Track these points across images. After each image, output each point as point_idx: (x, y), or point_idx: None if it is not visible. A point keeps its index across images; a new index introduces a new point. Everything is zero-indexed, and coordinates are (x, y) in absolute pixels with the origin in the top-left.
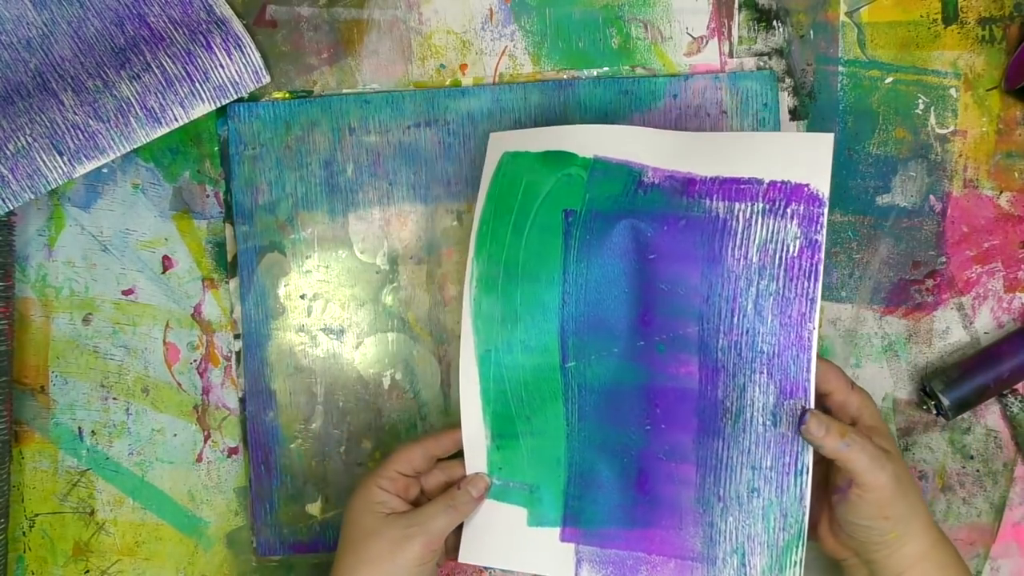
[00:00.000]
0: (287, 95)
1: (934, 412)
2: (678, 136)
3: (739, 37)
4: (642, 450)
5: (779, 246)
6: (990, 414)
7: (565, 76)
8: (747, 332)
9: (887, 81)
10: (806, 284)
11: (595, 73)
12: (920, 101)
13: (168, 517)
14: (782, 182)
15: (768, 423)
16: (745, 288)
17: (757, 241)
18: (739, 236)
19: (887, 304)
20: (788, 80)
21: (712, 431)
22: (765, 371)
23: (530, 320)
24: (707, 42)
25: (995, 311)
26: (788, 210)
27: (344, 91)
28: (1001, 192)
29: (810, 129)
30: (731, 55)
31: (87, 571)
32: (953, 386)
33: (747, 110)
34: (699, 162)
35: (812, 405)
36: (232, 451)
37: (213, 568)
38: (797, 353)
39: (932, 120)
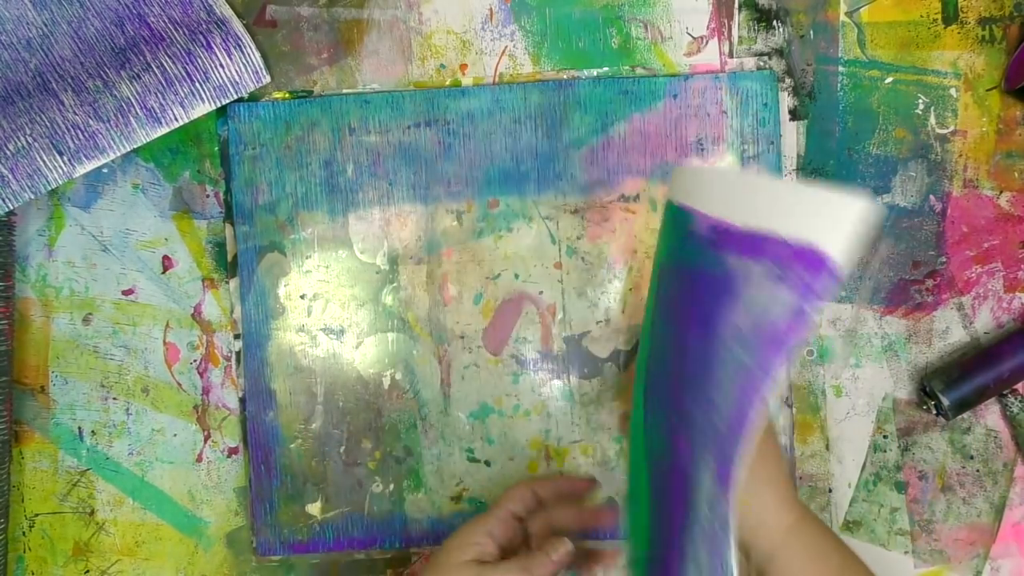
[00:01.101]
0: (287, 95)
1: (934, 412)
2: (738, 177)
3: (739, 37)
4: (666, 541)
5: (767, 313)
6: (990, 414)
7: (565, 76)
8: (710, 403)
9: (887, 81)
10: (774, 359)
11: (595, 73)
12: (920, 101)
13: (168, 517)
14: (798, 243)
15: (709, 514)
16: (723, 355)
17: (753, 306)
18: (736, 297)
19: (887, 304)
20: (788, 80)
21: (686, 523)
22: (712, 451)
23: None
24: (707, 42)
25: (995, 311)
26: (792, 273)
27: (344, 91)
28: (1001, 192)
29: (810, 129)
30: (731, 55)
31: (87, 571)
32: (953, 386)
33: (747, 110)
34: (737, 209)
35: (733, 505)
36: (232, 451)
37: (213, 568)
38: (737, 436)
39: (932, 120)
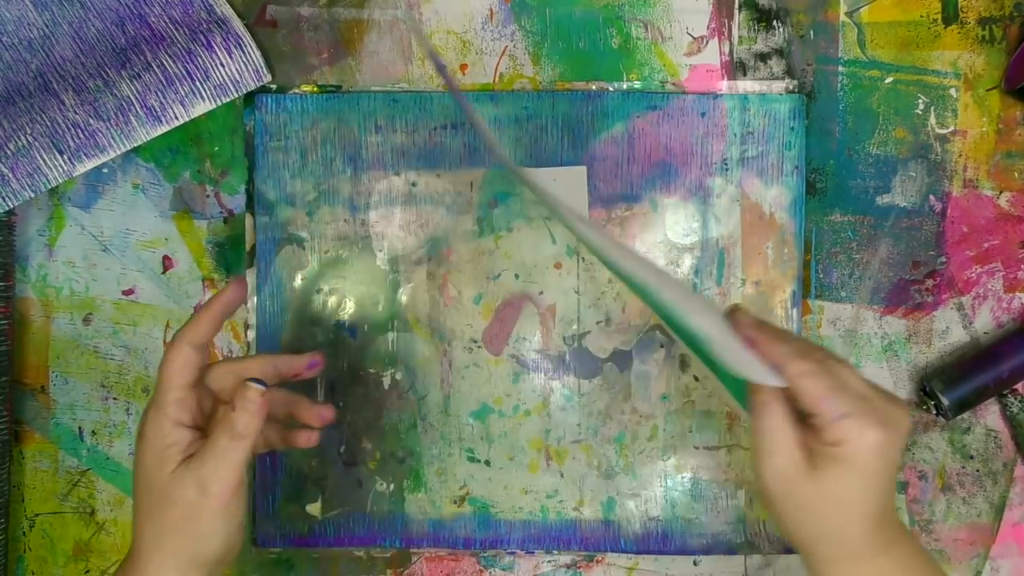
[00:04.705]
0: (315, 88)
1: (934, 412)
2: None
3: (739, 37)
4: None
5: None
6: (990, 414)
7: (594, 87)
8: None
9: (887, 81)
10: None
11: (624, 86)
12: (920, 101)
13: None
14: None
15: None
16: None
17: None
18: None
19: (887, 304)
20: (788, 80)
21: None
22: None
23: None
24: (707, 42)
25: (995, 311)
26: None
27: (373, 88)
28: (1001, 192)
29: (810, 129)
30: (731, 55)
31: (87, 571)
32: (953, 386)
33: (774, 133)
34: None
35: None
36: None
37: None
38: None
39: (932, 120)
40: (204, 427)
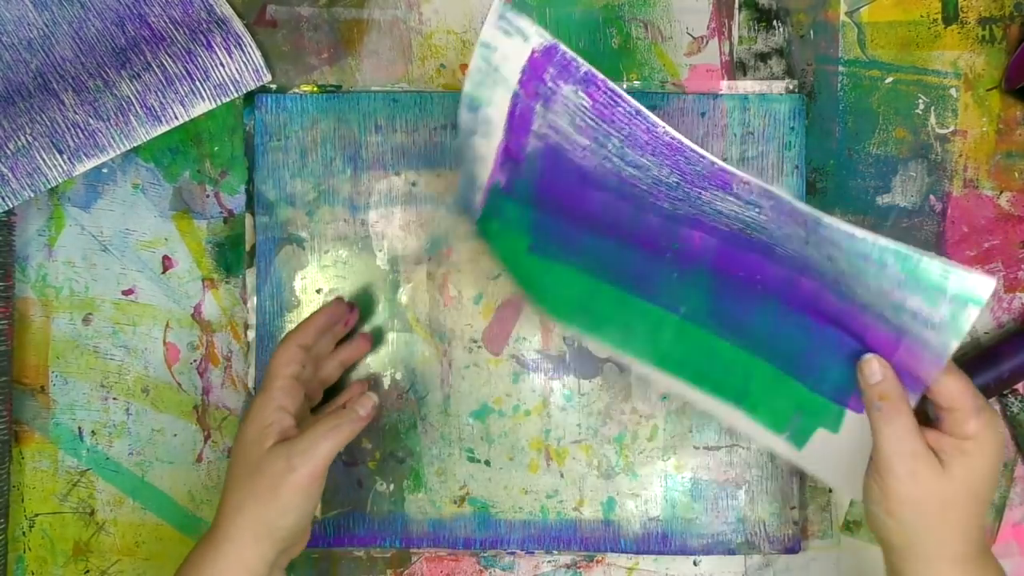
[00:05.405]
0: (315, 88)
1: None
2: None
3: (739, 37)
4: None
5: None
6: None
7: None
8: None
9: (887, 81)
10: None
11: (624, 86)
12: (920, 101)
13: (168, 517)
14: None
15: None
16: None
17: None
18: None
19: None
20: (788, 80)
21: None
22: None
23: None
24: (707, 42)
25: (995, 311)
26: None
27: (373, 88)
28: (1001, 192)
29: (810, 129)
30: (731, 55)
31: (87, 571)
32: None
33: (773, 133)
34: None
35: None
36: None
37: None
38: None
39: (932, 120)
40: (300, 419)
